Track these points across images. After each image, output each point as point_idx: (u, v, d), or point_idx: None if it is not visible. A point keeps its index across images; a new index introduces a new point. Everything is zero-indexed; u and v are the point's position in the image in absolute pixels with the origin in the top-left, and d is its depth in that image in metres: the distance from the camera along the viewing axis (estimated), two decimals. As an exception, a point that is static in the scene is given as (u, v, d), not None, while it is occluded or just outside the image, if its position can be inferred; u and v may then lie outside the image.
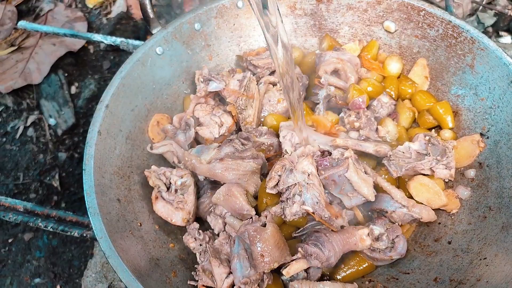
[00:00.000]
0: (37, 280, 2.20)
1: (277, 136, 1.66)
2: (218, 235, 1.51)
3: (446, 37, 1.74)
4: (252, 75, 1.78)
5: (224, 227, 1.52)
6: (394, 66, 1.87)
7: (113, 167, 1.53)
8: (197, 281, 1.41)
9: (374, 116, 1.72)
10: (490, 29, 2.71)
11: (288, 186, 1.40)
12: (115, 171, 1.54)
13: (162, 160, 1.71)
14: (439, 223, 1.58)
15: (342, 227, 1.43)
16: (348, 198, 1.48)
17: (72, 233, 1.65)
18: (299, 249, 1.36)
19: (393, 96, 1.79)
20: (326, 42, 1.94)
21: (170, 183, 1.57)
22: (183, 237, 1.52)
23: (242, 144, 1.60)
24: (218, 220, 1.52)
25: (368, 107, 1.75)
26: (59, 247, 2.28)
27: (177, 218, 1.54)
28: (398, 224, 1.50)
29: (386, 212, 1.49)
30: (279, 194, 1.45)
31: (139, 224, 1.50)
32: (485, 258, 1.40)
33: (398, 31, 1.87)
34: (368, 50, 1.91)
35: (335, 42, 1.95)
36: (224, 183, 1.53)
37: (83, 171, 1.41)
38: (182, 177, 1.56)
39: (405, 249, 1.45)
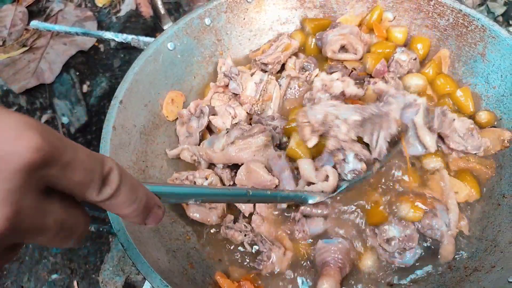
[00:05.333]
0: (54, 276, 2.23)
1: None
2: (249, 217, 1.52)
3: (456, 26, 1.74)
4: (268, 76, 1.77)
5: (254, 208, 1.52)
6: (399, 35, 1.85)
7: (128, 162, 1.55)
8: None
9: (398, 76, 1.71)
10: (501, 19, 2.70)
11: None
12: (131, 166, 1.55)
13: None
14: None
15: None
16: (407, 145, 1.47)
17: (89, 228, 1.67)
18: None
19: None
20: (308, 26, 1.94)
21: (196, 185, 1.57)
22: (222, 231, 1.51)
23: (249, 124, 1.63)
24: (246, 202, 1.52)
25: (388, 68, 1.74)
26: (75, 243, 2.31)
27: (213, 218, 1.53)
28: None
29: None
30: None
31: (155, 218, 1.51)
32: (499, 245, 1.40)
33: (408, 22, 1.87)
34: (371, 15, 1.88)
35: (316, 21, 1.95)
36: (241, 164, 1.55)
37: (100, 166, 1.42)
38: (207, 178, 1.56)
39: (412, 262, 1.37)
